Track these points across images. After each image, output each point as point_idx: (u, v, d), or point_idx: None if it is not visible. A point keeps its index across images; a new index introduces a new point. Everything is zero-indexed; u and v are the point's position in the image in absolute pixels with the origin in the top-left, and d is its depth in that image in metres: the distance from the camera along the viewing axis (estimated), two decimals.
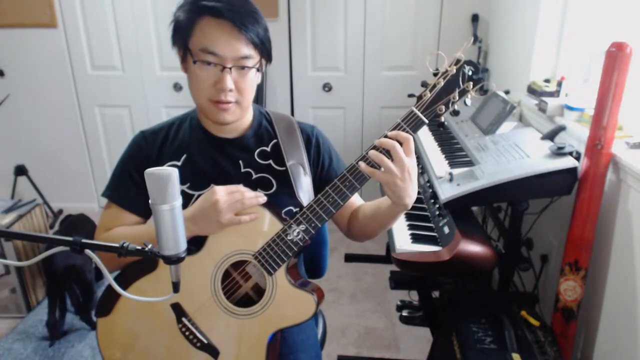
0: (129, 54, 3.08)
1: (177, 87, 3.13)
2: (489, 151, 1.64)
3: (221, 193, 0.97)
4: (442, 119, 0.96)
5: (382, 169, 0.93)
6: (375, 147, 0.94)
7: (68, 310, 2.28)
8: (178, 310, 1.05)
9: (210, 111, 1.06)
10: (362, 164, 0.94)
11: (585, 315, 1.54)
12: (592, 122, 1.39)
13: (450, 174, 1.54)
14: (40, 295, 2.44)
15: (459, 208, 1.51)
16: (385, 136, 0.94)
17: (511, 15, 2.47)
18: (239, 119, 1.10)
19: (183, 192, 1.10)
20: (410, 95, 0.98)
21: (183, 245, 0.78)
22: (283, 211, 1.11)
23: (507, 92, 2.21)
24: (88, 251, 0.78)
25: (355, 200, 1.21)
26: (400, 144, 0.93)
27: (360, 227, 1.17)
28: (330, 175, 1.20)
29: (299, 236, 0.99)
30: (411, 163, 0.93)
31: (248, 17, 1.00)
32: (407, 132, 0.94)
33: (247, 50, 1.01)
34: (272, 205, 1.04)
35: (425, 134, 2.14)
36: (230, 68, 1.00)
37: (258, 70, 1.06)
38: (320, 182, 1.19)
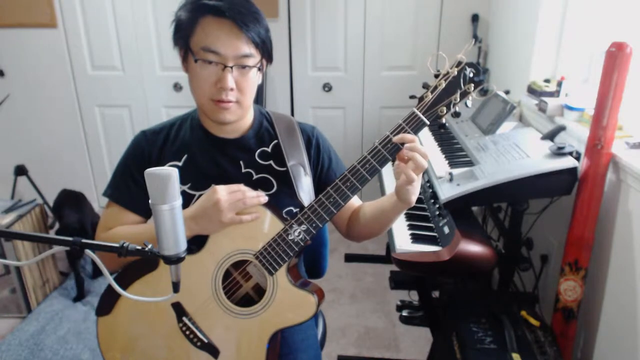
0: (129, 54, 3.08)
1: (177, 87, 3.13)
2: (489, 151, 1.64)
3: (222, 192, 0.98)
4: (444, 120, 0.96)
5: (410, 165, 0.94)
6: (377, 148, 0.95)
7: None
8: (179, 309, 1.05)
9: (211, 110, 1.06)
10: (396, 137, 0.94)
11: (585, 315, 1.54)
12: (592, 122, 1.39)
13: (450, 174, 1.54)
14: (40, 296, 2.44)
15: (459, 208, 1.51)
16: (387, 137, 0.95)
17: (511, 15, 2.47)
18: (239, 118, 1.10)
19: (184, 193, 1.10)
20: (412, 97, 0.99)
21: (183, 245, 0.78)
22: (284, 211, 1.11)
23: (507, 92, 2.21)
24: (88, 251, 0.78)
25: (355, 201, 1.21)
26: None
27: (361, 227, 1.17)
28: (329, 176, 1.20)
29: (300, 236, 0.99)
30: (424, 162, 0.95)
31: (249, 17, 1.00)
32: (408, 133, 0.95)
33: (248, 49, 1.01)
34: (273, 205, 1.04)
35: (425, 134, 2.14)
36: (231, 67, 1.01)
37: (259, 70, 1.06)
38: (319, 183, 1.20)
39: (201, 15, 1.00)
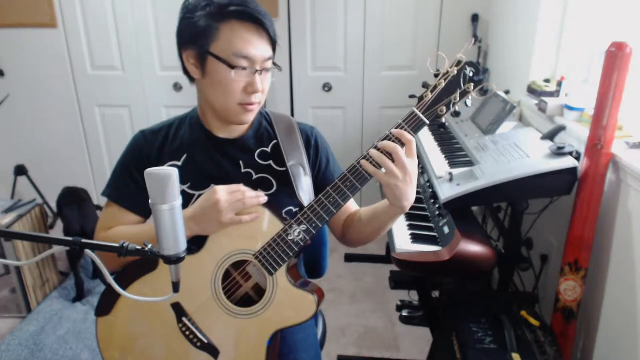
0: (129, 54, 3.08)
1: (177, 87, 3.13)
2: (489, 151, 1.64)
3: (222, 193, 0.98)
4: (443, 120, 0.96)
5: (384, 170, 0.93)
6: (377, 147, 0.95)
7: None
8: (178, 309, 1.05)
9: (236, 113, 1.06)
10: (364, 162, 0.95)
11: (585, 315, 1.54)
12: (592, 122, 1.39)
13: (450, 174, 1.54)
14: (40, 296, 2.44)
15: (459, 208, 1.51)
16: (388, 135, 0.95)
17: (511, 15, 2.47)
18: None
19: (183, 192, 1.10)
20: (412, 97, 0.98)
21: (183, 245, 0.78)
22: (283, 211, 1.11)
23: (507, 92, 2.21)
24: (88, 251, 0.78)
25: (351, 206, 1.21)
26: (403, 145, 0.93)
27: (356, 231, 1.17)
28: (326, 177, 1.20)
29: (300, 236, 0.99)
30: (413, 166, 0.94)
31: (269, 19, 1.02)
32: (408, 132, 0.94)
33: (271, 51, 1.04)
34: (273, 205, 1.04)
35: (425, 134, 2.14)
36: (260, 71, 1.02)
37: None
38: (316, 184, 1.20)
39: (224, 20, 0.99)
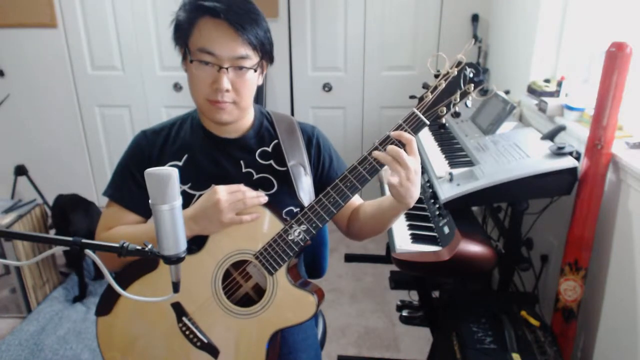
0: (129, 54, 3.08)
1: (177, 87, 3.13)
2: (489, 151, 1.64)
3: (223, 192, 0.98)
4: (444, 120, 0.97)
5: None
6: (377, 148, 0.95)
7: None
8: (178, 309, 1.05)
9: (208, 110, 1.06)
10: (377, 154, 0.95)
11: (585, 315, 1.54)
12: (592, 122, 1.39)
13: (450, 174, 1.54)
14: (40, 296, 2.44)
15: (459, 208, 1.51)
16: (388, 136, 0.95)
17: (511, 15, 2.47)
18: (237, 119, 1.10)
19: (184, 192, 1.10)
20: (412, 97, 0.99)
21: (183, 245, 0.78)
22: (284, 211, 1.11)
23: (507, 92, 2.21)
24: (88, 251, 0.78)
25: (355, 199, 1.21)
26: (403, 144, 0.94)
27: (361, 226, 1.17)
28: (330, 176, 1.20)
29: (300, 236, 0.99)
30: (415, 164, 0.94)
31: (246, 18, 1.00)
32: (408, 133, 0.95)
33: (245, 50, 1.01)
34: (273, 205, 1.04)
35: (425, 134, 2.14)
36: (227, 68, 1.01)
37: (255, 71, 1.06)
38: (320, 183, 1.20)
39: (199, 16, 1.01)
